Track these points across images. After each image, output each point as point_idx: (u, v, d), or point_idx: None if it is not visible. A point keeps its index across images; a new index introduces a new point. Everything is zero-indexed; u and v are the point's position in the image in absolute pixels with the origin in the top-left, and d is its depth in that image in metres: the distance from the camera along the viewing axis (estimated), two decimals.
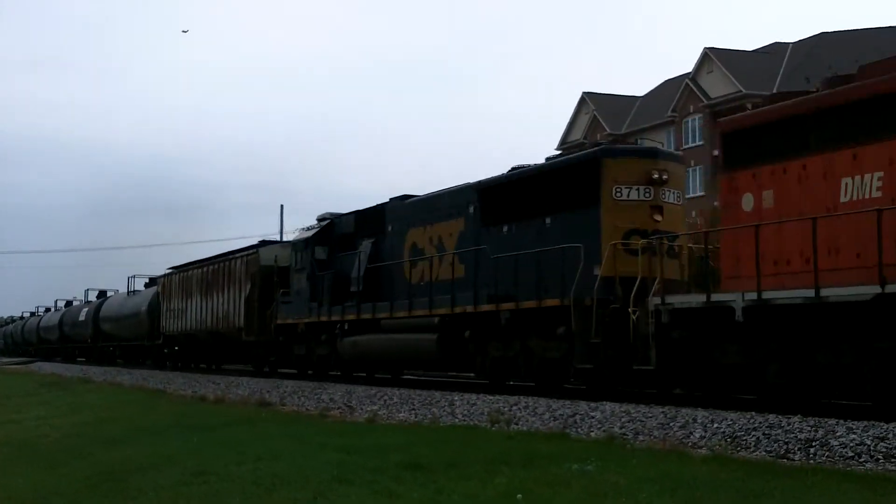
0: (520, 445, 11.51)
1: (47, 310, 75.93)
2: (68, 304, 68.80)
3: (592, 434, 12.64)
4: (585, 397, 15.77)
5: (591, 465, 9.69)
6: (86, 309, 55.25)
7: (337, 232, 25.86)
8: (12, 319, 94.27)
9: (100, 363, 50.17)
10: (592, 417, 13.44)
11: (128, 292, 49.47)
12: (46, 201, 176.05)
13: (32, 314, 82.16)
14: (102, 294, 63.55)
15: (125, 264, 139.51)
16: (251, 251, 31.74)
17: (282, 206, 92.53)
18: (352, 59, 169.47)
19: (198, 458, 11.97)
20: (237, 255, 32.88)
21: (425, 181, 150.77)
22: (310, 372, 26.90)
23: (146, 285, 47.44)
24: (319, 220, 27.11)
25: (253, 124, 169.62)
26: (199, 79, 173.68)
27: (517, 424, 13.98)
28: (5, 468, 13.59)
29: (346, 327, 23.75)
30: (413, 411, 16.65)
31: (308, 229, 27.71)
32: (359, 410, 17.79)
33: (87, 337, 53.10)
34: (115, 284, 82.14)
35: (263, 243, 32.40)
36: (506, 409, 15.09)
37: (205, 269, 35.90)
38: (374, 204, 24.98)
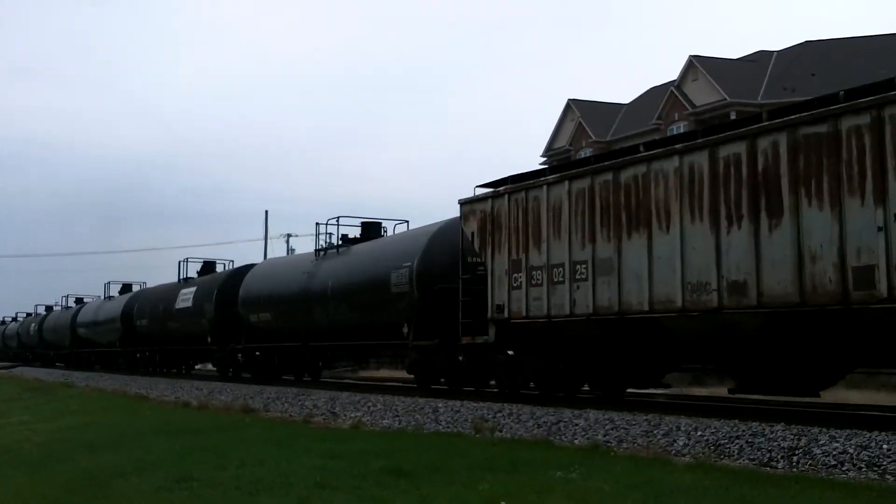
0: (504, 452, 11.49)
1: (78, 301, 58.05)
2: (126, 288, 48.80)
3: (576, 441, 12.64)
4: (570, 405, 15.79)
5: (574, 472, 9.69)
6: (189, 290, 34.66)
7: None
8: (3, 321, 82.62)
9: (237, 378, 30.83)
10: (576, 425, 13.45)
11: (319, 251, 26.98)
12: (30, 206, 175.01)
13: (49, 308, 65.51)
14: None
15: (111, 269, 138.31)
16: None
17: (266, 211, 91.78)
18: (337, 66, 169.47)
19: (180, 464, 11.91)
20: None
21: (416, 187, 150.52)
22: None
23: (343, 242, 25.99)
24: None
25: (238, 130, 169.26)
26: (183, 84, 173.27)
27: (501, 432, 13.97)
28: None
29: None
30: (397, 418, 16.62)
31: None
32: (342, 417, 17.74)
33: (204, 334, 32.66)
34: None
35: None
36: (490, 416, 15.08)
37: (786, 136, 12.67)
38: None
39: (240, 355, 30.89)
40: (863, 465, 9.60)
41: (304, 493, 9.33)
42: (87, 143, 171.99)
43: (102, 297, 49.36)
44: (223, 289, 31.50)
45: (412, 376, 22.24)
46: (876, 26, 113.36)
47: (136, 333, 40.35)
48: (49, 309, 65.32)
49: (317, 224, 26.64)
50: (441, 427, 15.17)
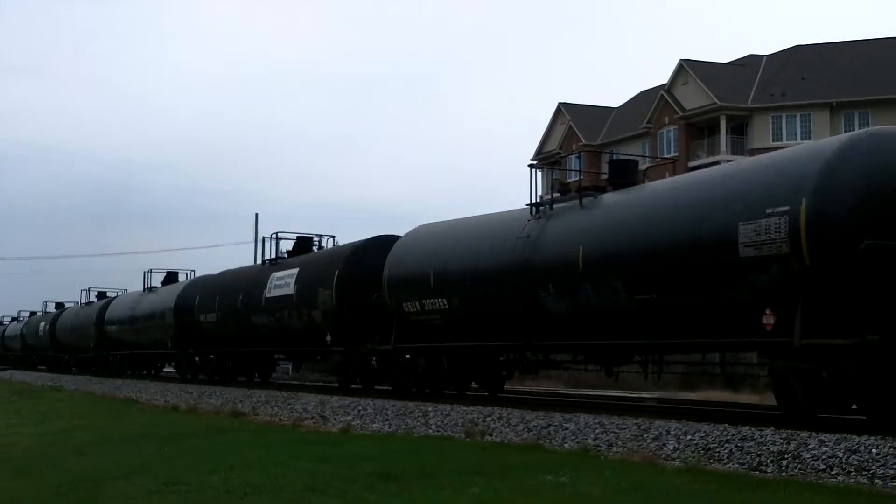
0: (494, 456, 11.50)
1: (101, 295, 47.76)
2: (171, 277, 39.67)
3: (566, 445, 12.65)
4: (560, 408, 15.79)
5: (564, 476, 9.69)
6: (288, 273, 26.24)
7: None
8: (1, 322, 72.57)
9: (368, 391, 22.34)
10: (566, 429, 13.45)
11: (538, 204, 17.77)
12: (29, 206, 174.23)
13: (60, 305, 54.79)
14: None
15: (110, 269, 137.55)
16: None
17: (256, 214, 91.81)
18: (335, 67, 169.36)
19: (169, 468, 11.88)
20: None
21: (415, 188, 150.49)
22: None
23: (582, 190, 17.25)
24: None
25: (237, 130, 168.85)
26: (183, 84, 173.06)
27: (491, 436, 13.97)
28: None
29: None
30: (387, 422, 16.60)
31: None
32: (332, 421, 17.72)
33: (315, 330, 24.37)
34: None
35: None
36: (480, 420, 15.07)
37: None
38: None
39: (373, 359, 22.68)
40: (852, 470, 9.62)
41: (293, 497, 9.31)
42: (87, 143, 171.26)
43: (141, 290, 39.95)
44: (348, 268, 22.96)
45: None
46: (865, 31, 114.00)
47: (197, 331, 31.73)
48: (60, 306, 55.02)
49: (530, 166, 18.80)
50: (431, 431, 15.16)
